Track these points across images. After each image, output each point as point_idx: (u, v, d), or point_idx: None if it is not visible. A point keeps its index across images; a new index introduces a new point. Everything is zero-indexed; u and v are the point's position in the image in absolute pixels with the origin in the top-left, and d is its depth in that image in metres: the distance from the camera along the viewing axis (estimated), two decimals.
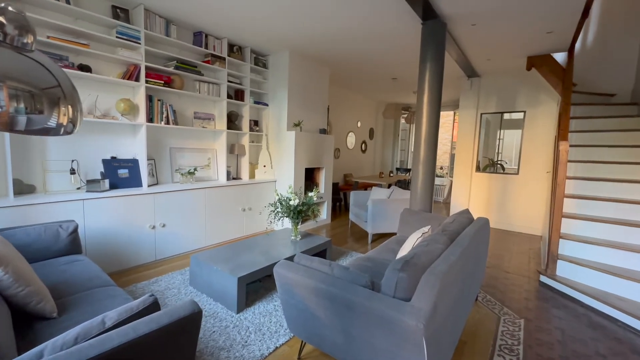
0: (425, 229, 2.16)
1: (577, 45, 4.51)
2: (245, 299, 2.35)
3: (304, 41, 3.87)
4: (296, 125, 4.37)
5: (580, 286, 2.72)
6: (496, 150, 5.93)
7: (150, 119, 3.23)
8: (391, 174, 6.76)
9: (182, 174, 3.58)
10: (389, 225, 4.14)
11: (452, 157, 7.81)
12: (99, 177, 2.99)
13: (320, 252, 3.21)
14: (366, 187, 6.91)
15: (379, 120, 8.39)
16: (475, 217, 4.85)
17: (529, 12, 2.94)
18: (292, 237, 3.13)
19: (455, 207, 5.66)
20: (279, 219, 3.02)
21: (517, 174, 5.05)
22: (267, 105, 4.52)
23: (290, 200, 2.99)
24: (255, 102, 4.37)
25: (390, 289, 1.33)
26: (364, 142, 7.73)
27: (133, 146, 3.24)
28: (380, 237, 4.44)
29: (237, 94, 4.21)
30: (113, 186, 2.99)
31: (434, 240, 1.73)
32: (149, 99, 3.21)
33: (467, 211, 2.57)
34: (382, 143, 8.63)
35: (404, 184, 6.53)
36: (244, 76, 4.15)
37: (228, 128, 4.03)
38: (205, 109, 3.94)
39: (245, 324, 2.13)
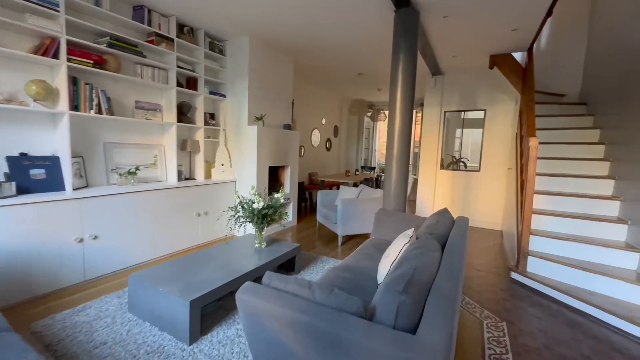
0: (410, 232, 1.94)
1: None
2: (200, 324, 1.93)
3: (266, 26, 3.49)
4: (258, 119, 3.96)
5: (551, 282, 2.72)
6: (454, 149, 6.08)
7: (74, 107, 2.62)
8: (357, 173, 6.62)
9: (120, 175, 2.99)
10: (360, 226, 3.93)
11: (415, 155, 7.92)
12: (1, 178, 2.33)
13: (289, 261, 2.88)
14: (331, 186, 6.70)
15: (344, 117, 8.23)
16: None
17: (499, 8, 2.88)
18: (257, 245, 2.75)
19: (421, 204, 5.67)
20: (241, 225, 2.62)
21: (479, 171, 5.17)
22: (224, 96, 4.04)
23: (253, 202, 2.61)
24: (211, 93, 3.88)
25: (389, 317, 1.05)
26: (328, 139, 7.50)
27: (52, 141, 2.61)
28: (350, 238, 4.22)
29: (189, 83, 3.68)
30: (23, 190, 2.35)
31: (426, 247, 1.50)
32: (73, 81, 2.60)
33: (446, 210, 2.42)
34: (346, 141, 8.49)
35: (371, 183, 6.42)
36: (197, 62, 3.64)
37: (179, 121, 3.50)
38: (150, 98, 3.36)
39: (200, 358, 1.72)
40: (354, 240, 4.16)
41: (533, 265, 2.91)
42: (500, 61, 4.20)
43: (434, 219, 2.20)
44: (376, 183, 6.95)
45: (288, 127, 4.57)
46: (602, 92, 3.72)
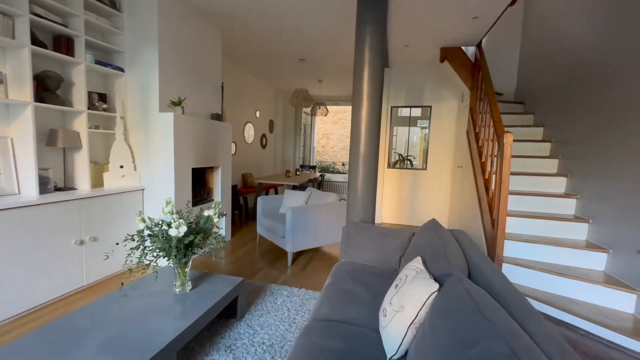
0: (419, 265, 1.34)
1: None
2: None
3: None
4: (175, 104, 2.91)
5: (529, 291, 2.50)
6: (391, 146, 5.90)
7: None
8: (298, 173, 5.94)
9: None
10: (313, 238, 3.25)
11: None
12: None
13: (230, 304, 2.02)
14: (269, 188, 5.87)
15: (279, 111, 7.43)
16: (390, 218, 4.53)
17: None
18: (177, 289, 1.82)
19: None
20: (149, 264, 1.66)
21: (425, 169, 5.03)
22: (122, 70, 2.87)
23: (169, 226, 1.68)
24: (99, 63, 2.68)
25: None
26: (264, 135, 6.61)
27: None
28: (300, 254, 3.51)
29: (57, 43, 2.42)
30: None
31: (482, 305, 0.90)
32: None
33: (437, 223, 1.92)
34: (282, 137, 7.71)
35: (315, 184, 5.81)
36: (72, 13, 2.42)
37: (39, 100, 2.26)
38: None
39: None
40: (305, 256, 3.46)
41: (507, 273, 2.67)
42: (452, 55, 4.01)
43: (432, 237, 1.66)
44: (320, 184, 6.38)
45: (217, 117, 3.59)
46: (540, 92, 3.82)
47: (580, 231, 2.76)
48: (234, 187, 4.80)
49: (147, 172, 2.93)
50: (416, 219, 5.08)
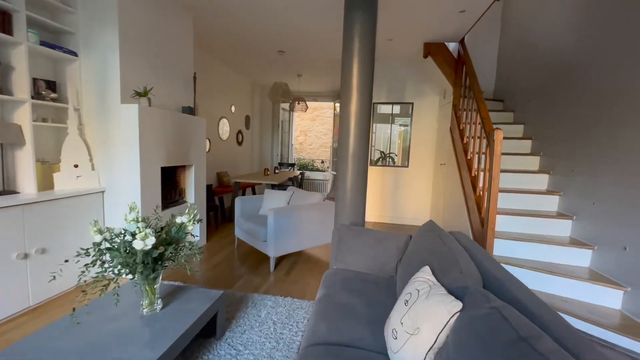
0: (429, 277, 1.19)
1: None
2: None
3: None
4: (140, 94, 2.58)
5: None
6: (370, 144, 5.82)
7: None
8: (277, 171, 5.68)
9: None
10: (297, 242, 3.05)
11: (335, 150, 7.48)
12: None
13: (209, 321, 1.77)
14: (246, 188, 5.58)
15: (256, 106, 7.10)
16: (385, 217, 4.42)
17: None
18: (145, 310, 1.55)
19: None
20: (114, 280, 1.38)
21: (407, 166, 4.98)
22: (75, 55, 2.48)
23: (133, 237, 1.41)
24: (46, 45, 2.29)
25: None
26: (239, 132, 6.27)
27: None
28: (283, 258, 3.29)
29: None
30: None
31: (515, 329, 0.75)
32: None
33: (433, 223, 1.79)
34: (259, 134, 7.40)
35: (295, 182, 5.59)
36: None
37: None
38: None
39: None
40: (288, 260, 3.25)
41: None
42: (435, 50, 3.95)
43: (434, 242, 1.52)
44: (300, 183, 6.16)
45: (190, 110, 3.27)
46: (520, 89, 3.86)
47: (564, 228, 2.78)
48: (208, 187, 4.47)
49: (107, 172, 2.57)
50: (398, 217, 5.03)
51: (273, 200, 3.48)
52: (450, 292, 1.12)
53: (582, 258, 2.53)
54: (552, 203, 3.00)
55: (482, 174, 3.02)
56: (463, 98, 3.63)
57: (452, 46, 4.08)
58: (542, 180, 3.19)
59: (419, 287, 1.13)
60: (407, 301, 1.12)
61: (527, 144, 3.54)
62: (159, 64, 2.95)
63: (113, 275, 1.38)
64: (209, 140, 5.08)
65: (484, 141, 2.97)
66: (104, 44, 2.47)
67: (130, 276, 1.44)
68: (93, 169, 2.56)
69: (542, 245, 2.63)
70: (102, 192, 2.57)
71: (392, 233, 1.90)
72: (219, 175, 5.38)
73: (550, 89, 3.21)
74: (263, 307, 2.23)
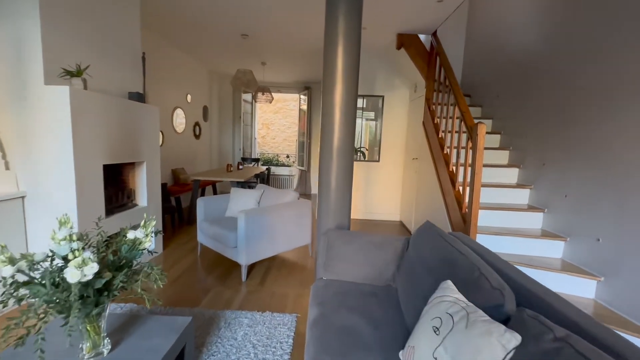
0: (455, 293, 1.01)
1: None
2: None
3: None
4: (73, 74, 2.06)
5: None
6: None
7: None
8: (240, 167, 5.24)
9: None
10: (271, 246, 2.76)
11: (301, 145, 7.20)
12: None
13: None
14: (205, 186, 5.08)
15: (215, 96, 6.52)
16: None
17: None
18: (86, 356, 1.17)
19: None
20: (34, 326, 0.99)
21: (378, 161, 4.90)
22: None
23: (65, 263, 1.03)
24: None
25: None
26: (197, 124, 5.69)
27: None
28: (255, 265, 2.97)
29: None
30: None
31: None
32: None
33: (432, 225, 1.64)
34: (219, 126, 6.82)
35: (262, 179, 5.21)
36: None
37: None
38: None
39: None
40: (260, 265, 2.94)
41: None
42: (409, 42, 3.85)
43: (441, 247, 1.36)
44: (266, 179, 5.77)
45: (139, 97, 2.76)
46: (487, 84, 3.94)
47: (536, 220, 2.85)
48: (163, 186, 3.93)
49: (28, 171, 2.02)
50: (370, 213, 4.94)
51: (241, 201, 3.13)
52: (485, 311, 0.94)
53: (555, 249, 2.61)
54: (522, 196, 3.07)
55: (461, 168, 3.00)
56: (437, 92, 3.58)
57: (423, 39, 4.02)
58: (512, 174, 3.26)
59: (451, 310, 0.94)
60: (437, 328, 0.92)
61: (496, 139, 3.61)
62: (97, 39, 2.41)
63: (35, 320, 0.99)
64: (162, 133, 4.49)
65: (463, 135, 2.94)
66: (17, 6, 1.91)
67: (62, 316, 1.06)
68: (7, 168, 1.99)
69: (518, 239, 2.66)
70: (22, 197, 2.02)
71: (388, 236, 1.71)
72: (174, 172, 4.81)
73: (518, 84, 3.28)
74: (239, 326, 1.92)
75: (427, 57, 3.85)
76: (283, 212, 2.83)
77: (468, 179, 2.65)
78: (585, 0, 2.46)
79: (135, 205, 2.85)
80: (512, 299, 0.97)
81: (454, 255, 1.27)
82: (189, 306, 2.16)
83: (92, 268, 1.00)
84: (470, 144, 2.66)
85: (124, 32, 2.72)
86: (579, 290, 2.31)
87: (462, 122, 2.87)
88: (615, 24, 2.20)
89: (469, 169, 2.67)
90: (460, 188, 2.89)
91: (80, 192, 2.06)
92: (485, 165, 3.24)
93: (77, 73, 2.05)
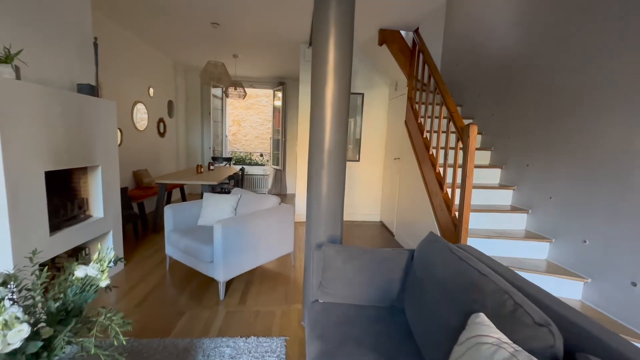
0: (495, 334, 0.85)
1: None
2: None
3: None
4: (1, 60, 1.64)
5: None
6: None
7: None
8: (212, 167, 4.85)
9: None
10: (252, 258, 2.50)
11: (276, 143, 6.90)
12: None
13: None
14: (171, 189, 4.65)
15: (181, 90, 6.00)
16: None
17: None
18: None
19: (302, 200, 4.73)
20: None
21: (358, 160, 4.77)
22: None
23: None
24: None
25: None
26: (161, 120, 5.19)
27: None
28: (234, 280, 2.69)
29: None
30: None
31: None
32: None
33: (437, 236, 1.50)
34: (186, 123, 6.31)
35: (236, 181, 4.87)
36: None
37: None
38: None
39: None
40: (239, 280, 2.67)
41: None
42: (391, 38, 3.73)
43: (456, 265, 1.21)
44: (241, 181, 5.40)
45: (90, 90, 2.35)
46: (466, 84, 3.93)
47: (520, 221, 2.86)
48: (123, 191, 3.47)
49: None
50: (351, 214, 4.80)
51: (216, 208, 2.82)
52: (534, 353, 0.80)
53: (540, 251, 2.62)
54: (505, 197, 3.07)
55: (449, 170, 2.92)
56: (421, 90, 3.49)
57: (405, 36, 3.92)
58: (494, 175, 3.26)
59: (498, 357, 0.77)
60: None
61: (477, 139, 3.60)
62: (34, 18, 1.98)
63: None
64: (121, 131, 4.00)
65: (452, 136, 2.87)
66: None
67: None
68: None
69: (506, 241, 2.65)
70: None
71: (391, 251, 1.54)
72: (136, 175, 4.32)
73: (500, 83, 3.27)
74: (220, 358, 1.66)
75: (410, 54, 3.75)
76: (264, 220, 2.58)
77: (458, 181, 2.58)
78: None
79: (89, 216, 2.44)
80: (561, 340, 0.84)
81: (474, 277, 1.12)
82: (159, 335, 1.85)
83: (21, 332, 0.71)
84: (459, 145, 2.58)
85: (70, 11, 2.28)
86: (565, 291, 2.32)
87: (450, 123, 2.79)
88: (599, 22, 2.20)
89: (459, 170, 2.60)
90: (448, 190, 2.82)
91: (13, 207, 1.66)
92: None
93: (6, 59, 1.64)
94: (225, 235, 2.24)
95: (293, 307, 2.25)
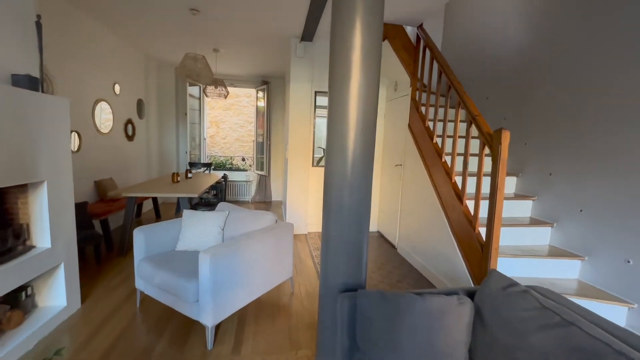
0: None
1: None
2: None
3: None
4: None
5: None
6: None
7: None
8: (190, 175, 4.28)
9: None
10: (246, 293, 2.04)
11: (259, 146, 6.39)
12: None
13: None
14: (141, 201, 4.07)
15: (152, 88, 5.36)
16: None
17: None
18: None
19: (293, 210, 4.27)
20: None
21: None
22: None
23: None
24: None
25: None
26: (129, 122, 4.54)
27: None
28: (221, 324, 2.20)
29: None
30: None
31: None
32: None
33: (505, 277, 1.14)
34: (158, 125, 5.66)
35: (218, 192, 4.32)
36: None
37: None
38: None
39: None
40: (230, 320, 2.18)
41: None
42: (393, 33, 3.41)
43: (553, 327, 0.85)
44: (223, 190, 4.83)
45: (30, 83, 1.79)
46: (470, 85, 3.68)
47: (543, 236, 2.59)
48: (81, 207, 2.85)
49: None
50: None
51: (198, 229, 2.33)
52: None
53: (571, 270, 2.35)
54: (524, 209, 2.81)
55: (469, 180, 2.62)
56: (429, 91, 3.18)
57: (409, 32, 3.61)
58: (509, 184, 3.00)
59: None
60: None
61: None
62: None
63: None
64: (78, 135, 3.37)
65: (471, 142, 2.56)
66: None
67: None
68: None
69: (532, 260, 2.36)
70: None
71: (446, 299, 1.15)
72: (99, 185, 3.69)
73: (514, 86, 3.03)
74: None
75: (414, 51, 3.44)
76: (260, 243, 2.12)
77: (479, 192, 2.27)
78: None
79: (31, 247, 1.87)
80: None
81: (594, 346, 0.76)
82: None
83: None
84: (484, 152, 2.28)
85: None
86: (609, 317, 2.06)
87: (470, 127, 2.48)
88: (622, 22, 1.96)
89: (481, 180, 2.30)
90: (468, 203, 2.52)
91: None
92: (472, 175, 2.89)
93: None
94: (214, 268, 1.77)
95: (302, 354, 1.81)
